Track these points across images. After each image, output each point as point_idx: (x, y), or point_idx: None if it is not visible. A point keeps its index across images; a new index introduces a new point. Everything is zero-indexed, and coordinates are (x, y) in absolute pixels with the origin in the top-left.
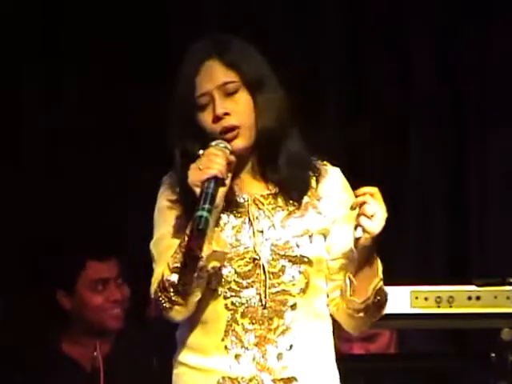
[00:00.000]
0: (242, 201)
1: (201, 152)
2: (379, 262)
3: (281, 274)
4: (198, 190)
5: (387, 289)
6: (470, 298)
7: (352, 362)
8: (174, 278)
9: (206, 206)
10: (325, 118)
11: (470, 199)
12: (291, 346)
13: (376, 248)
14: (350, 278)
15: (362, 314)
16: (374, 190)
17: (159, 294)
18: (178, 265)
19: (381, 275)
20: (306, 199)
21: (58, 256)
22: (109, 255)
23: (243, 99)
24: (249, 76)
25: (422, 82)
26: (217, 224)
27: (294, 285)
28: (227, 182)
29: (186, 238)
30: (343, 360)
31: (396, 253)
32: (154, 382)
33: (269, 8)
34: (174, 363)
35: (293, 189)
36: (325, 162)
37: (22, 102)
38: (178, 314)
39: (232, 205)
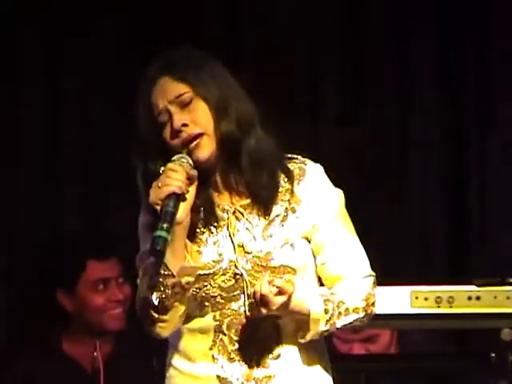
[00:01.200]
0: (222, 214)
1: (161, 169)
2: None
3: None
4: (158, 209)
5: (387, 289)
6: (470, 298)
7: (352, 363)
8: (152, 298)
9: (165, 225)
10: (324, 118)
11: (470, 199)
12: (278, 355)
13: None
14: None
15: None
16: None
17: (141, 313)
18: (152, 285)
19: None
20: (285, 204)
21: (58, 256)
22: (109, 255)
23: (199, 107)
24: (199, 85)
25: (422, 82)
26: (196, 239)
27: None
28: (188, 196)
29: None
30: (343, 360)
31: (396, 253)
32: (154, 382)
33: (269, 8)
34: (167, 365)
35: (261, 190)
36: (304, 160)
37: (22, 102)
38: (163, 330)
39: (212, 218)
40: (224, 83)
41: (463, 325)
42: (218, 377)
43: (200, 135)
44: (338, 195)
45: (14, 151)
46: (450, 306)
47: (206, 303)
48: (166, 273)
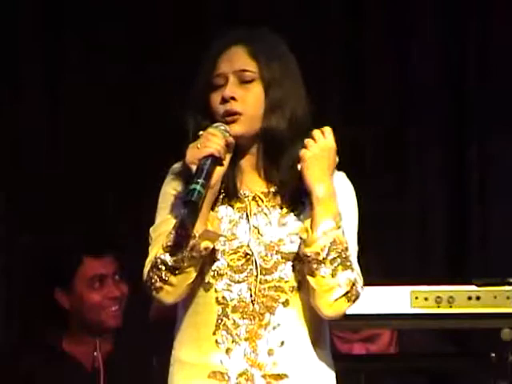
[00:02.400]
0: (242, 196)
1: (200, 133)
2: (336, 209)
3: (273, 270)
4: (194, 168)
5: (387, 289)
6: (470, 298)
7: (352, 362)
8: (167, 256)
9: (200, 180)
10: (323, 118)
11: (470, 199)
12: (282, 343)
13: (316, 186)
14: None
15: (315, 266)
16: (327, 129)
17: (151, 273)
18: (172, 244)
19: (337, 223)
20: (306, 200)
21: (55, 253)
22: (105, 252)
23: (255, 91)
24: (268, 71)
25: (422, 82)
26: (213, 210)
27: (286, 282)
28: (225, 162)
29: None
30: (343, 360)
31: (396, 253)
32: (154, 381)
33: (268, 7)
34: (171, 360)
35: (291, 191)
36: None
37: (22, 102)
38: (168, 295)
39: (232, 199)
40: (291, 81)
41: (463, 325)
42: (222, 361)
43: (239, 114)
44: (354, 201)
45: (14, 150)
46: (450, 306)
47: (212, 280)
48: (188, 233)
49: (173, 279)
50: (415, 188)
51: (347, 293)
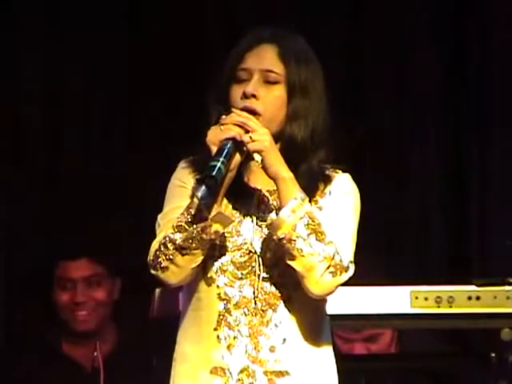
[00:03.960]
0: (248, 193)
1: (223, 117)
2: (299, 187)
3: (276, 268)
4: (214, 149)
5: (387, 289)
6: (470, 298)
7: (353, 362)
8: (177, 235)
9: (221, 158)
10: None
11: (470, 199)
12: (284, 340)
13: (276, 167)
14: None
15: (287, 245)
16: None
17: (158, 252)
18: (183, 224)
19: (304, 199)
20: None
21: (42, 255)
22: (79, 255)
23: (278, 94)
24: (294, 76)
25: (422, 81)
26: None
27: (288, 279)
28: (243, 150)
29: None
30: (344, 360)
31: (396, 253)
32: (154, 381)
33: (268, 9)
34: (174, 357)
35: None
36: (337, 170)
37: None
38: (173, 275)
39: (238, 195)
40: (315, 91)
41: (463, 325)
42: (223, 357)
43: (257, 114)
44: (355, 195)
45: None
46: (450, 306)
47: (214, 276)
48: (201, 214)
49: (179, 259)
50: (415, 188)
51: (329, 266)
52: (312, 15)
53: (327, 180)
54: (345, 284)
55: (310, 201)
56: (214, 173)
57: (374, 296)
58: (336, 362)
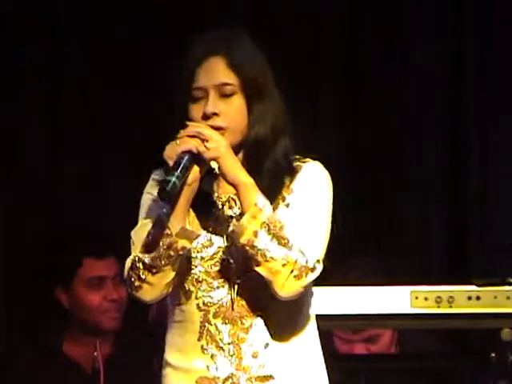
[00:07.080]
0: (217, 200)
1: (181, 132)
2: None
3: (252, 272)
4: (171, 163)
5: (387, 289)
6: (470, 298)
7: (353, 362)
8: (145, 255)
9: (176, 173)
10: (323, 119)
11: (470, 199)
12: (267, 344)
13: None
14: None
15: (250, 251)
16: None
17: (130, 272)
18: (149, 242)
19: (264, 204)
20: (279, 196)
21: (55, 252)
22: (106, 254)
23: (237, 104)
24: (249, 82)
25: (422, 81)
26: (190, 211)
27: (265, 284)
28: (202, 163)
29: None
30: (344, 360)
31: (396, 253)
32: (154, 383)
33: (267, 7)
34: (163, 363)
35: (267, 191)
36: (307, 159)
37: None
38: (147, 294)
39: (207, 204)
40: (270, 90)
41: (463, 325)
42: (208, 367)
43: (223, 129)
44: (323, 185)
45: (15, 151)
46: (450, 306)
47: (192, 288)
48: (166, 232)
49: (151, 278)
50: (415, 188)
51: (293, 270)
52: (312, 15)
53: (294, 173)
54: (345, 284)
55: (276, 199)
56: (168, 188)
57: (374, 296)
58: (336, 362)
